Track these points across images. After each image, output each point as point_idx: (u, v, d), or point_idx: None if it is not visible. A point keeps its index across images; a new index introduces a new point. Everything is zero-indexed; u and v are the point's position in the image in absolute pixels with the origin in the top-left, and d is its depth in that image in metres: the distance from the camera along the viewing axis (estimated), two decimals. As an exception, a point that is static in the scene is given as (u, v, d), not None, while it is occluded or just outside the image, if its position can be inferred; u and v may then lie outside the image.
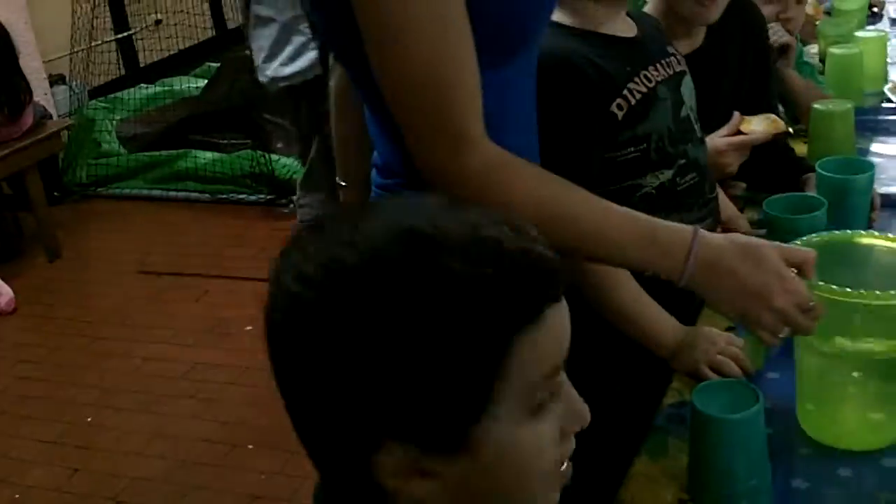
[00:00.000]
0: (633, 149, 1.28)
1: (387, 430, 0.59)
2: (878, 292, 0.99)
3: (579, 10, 1.29)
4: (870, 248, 1.15)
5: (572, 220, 0.98)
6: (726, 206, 1.55)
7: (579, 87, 1.23)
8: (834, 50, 2.08)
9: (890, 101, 2.08)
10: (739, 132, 1.59)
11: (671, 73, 1.33)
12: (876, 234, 1.16)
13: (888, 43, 2.28)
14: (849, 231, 1.18)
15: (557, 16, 1.29)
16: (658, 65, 1.32)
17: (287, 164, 4.10)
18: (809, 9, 2.24)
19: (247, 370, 2.97)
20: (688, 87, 1.37)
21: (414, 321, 0.58)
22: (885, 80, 2.17)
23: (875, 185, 1.62)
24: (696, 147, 1.37)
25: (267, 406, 2.72)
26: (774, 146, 1.67)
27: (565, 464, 0.67)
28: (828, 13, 2.58)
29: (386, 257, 0.59)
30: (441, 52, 0.91)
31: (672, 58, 1.36)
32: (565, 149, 1.20)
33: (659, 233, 1.01)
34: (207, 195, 4.32)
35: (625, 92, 1.26)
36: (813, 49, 2.33)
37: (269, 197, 4.14)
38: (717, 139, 1.58)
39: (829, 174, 1.51)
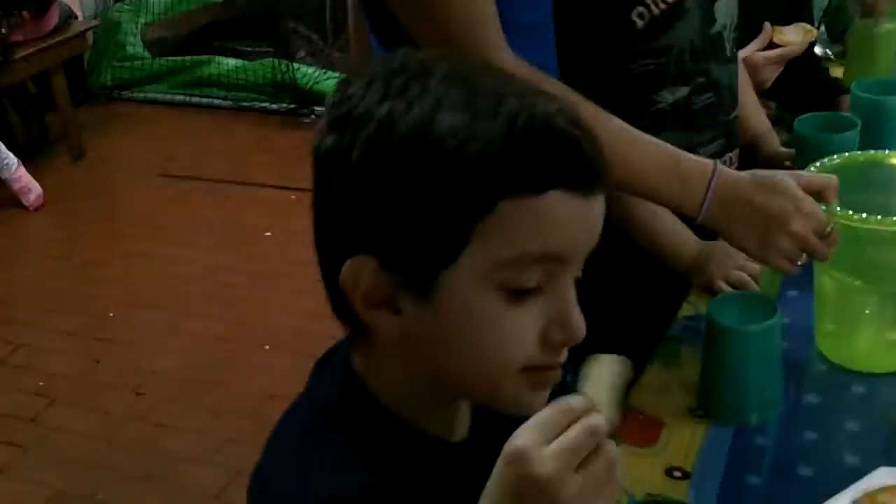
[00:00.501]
0: (651, 61, 1.24)
1: (374, 248, 0.60)
2: (893, 218, 0.97)
3: None
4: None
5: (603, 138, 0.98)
6: (759, 120, 1.52)
7: None
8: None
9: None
10: (772, 45, 1.55)
11: None
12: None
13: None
14: (873, 151, 1.15)
15: None
16: None
17: (309, 73, 4.06)
18: None
19: (264, 274, 3.00)
20: (725, 4, 1.31)
21: (416, 156, 0.58)
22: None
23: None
24: (722, 66, 1.31)
25: (283, 309, 2.76)
26: (809, 65, 1.63)
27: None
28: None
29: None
30: None
31: None
32: (583, 58, 1.17)
33: (681, 165, 1.02)
34: (230, 102, 4.30)
35: (647, 0, 1.21)
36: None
37: (290, 106, 4.11)
38: (752, 54, 1.53)
39: (863, 94, 1.47)
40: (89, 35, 4.36)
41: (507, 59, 0.95)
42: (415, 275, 0.60)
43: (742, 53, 1.53)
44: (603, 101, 1.07)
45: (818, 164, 1.11)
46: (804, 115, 1.41)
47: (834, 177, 1.03)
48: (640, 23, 1.22)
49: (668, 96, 1.27)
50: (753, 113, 1.50)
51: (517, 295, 0.60)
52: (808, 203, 0.99)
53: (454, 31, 0.93)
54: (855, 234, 1.00)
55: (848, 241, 1.01)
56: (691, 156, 1.05)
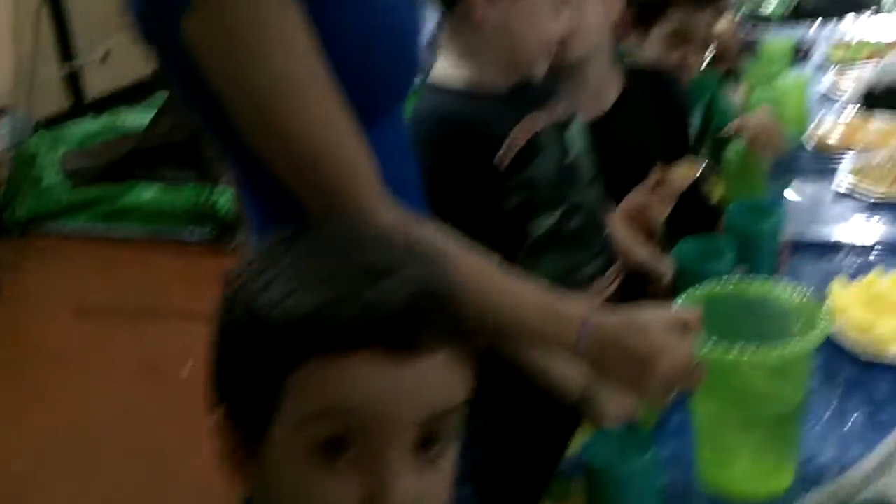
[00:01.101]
0: (518, 196, 1.31)
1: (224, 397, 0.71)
2: (753, 350, 1.02)
3: (460, 66, 1.32)
4: (762, 296, 1.17)
5: (474, 288, 1.00)
6: (640, 251, 1.58)
7: (462, 145, 1.26)
8: (755, 93, 2.13)
9: (808, 144, 2.13)
10: (660, 183, 1.63)
11: (556, 118, 1.37)
12: (765, 282, 1.18)
13: (808, 87, 2.35)
14: (739, 278, 1.21)
15: (437, 67, 1.34)
16: (541, 111, 1.35)
17: (230, 200, 4.08)
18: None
19: (183, 413, 2.94)
20: (576, 132, 1.41)
21: (243, 320, 0.68)
22: (806, 124, 2.22)
23: (787, 229, 1.67)
24: (585, 190, 1.40)
25: (202, 449, 2.69)
26: (691, 191, 1.71)
27: None
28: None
29: None
30: (317, 126, 0.91)
31: (558, 103, 1.39)
32: (453, 204, 1.22)
33: (557, 309, 1.05)
34: (150, 232, 4.28)
35: (507, 142, 1.29)
36: (739, 90, 2.39)
37: (212, 233, 4.12)
38: (639, 194, 1.62)
39: (736, 219, 1.55)
40: (4, 168, 4.33)
41: (384, 208, 0.96)
42: (248, 428, 0.68)
43: (631, 195, 1.61)
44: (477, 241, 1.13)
45: (686, 294, 1.17)
46: (684, 240, 1.47)
47: (698, 310, 1.08)
48: (503, 164, 1.28)
49: (541, 224, 1.34)
50: (634, 243, 1.57)
51: (329, 454, 0.64)
52: (674, 340, 1.03)
53: (326, 181, 0.93)
54: (722, 364, 1.05)
55: (717, 372, 1.05)
56: (567, 298, 1.09)
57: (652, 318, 1.05)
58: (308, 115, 0.91)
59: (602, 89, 1.66)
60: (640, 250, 1.57)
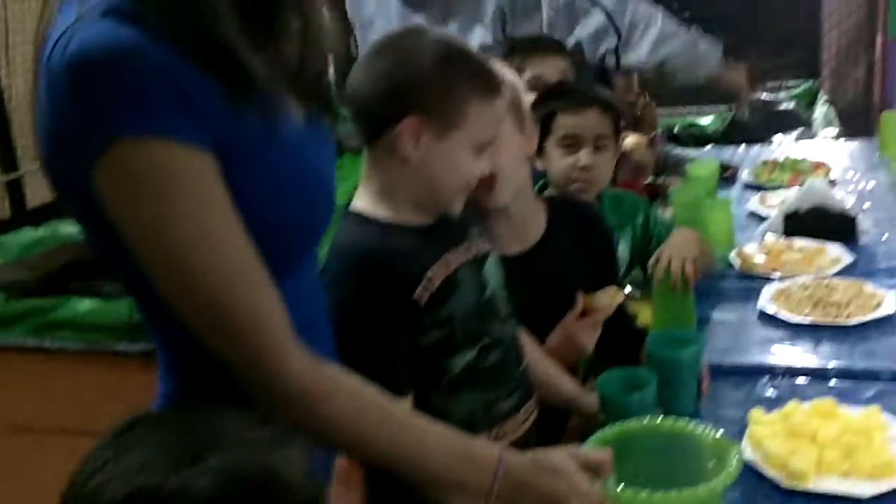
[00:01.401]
0: (437, 333, 1.32)
1: None
2: (662, 492, 1.02)
3: (379, 199, 1.34)
4: (676, 434, 1.18)
5: (389, 438, 1.02)
6: (568, 386, 1.58)
7: (381, 280, 1.27)
8: (679, 218, 2.18)
9: (733, 266, 2.17)
10: (584, 312, 1.64)
11: (473, 255, 1.38)
12: (678, 420, 1.19)
13: (732, 208, 2.41)
14: (650, 418, 1.22)
15: (357, 200, 1.36)
16: (459, 248, 1.36)
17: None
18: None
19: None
20: (492, 267, 1.42)
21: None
22: (731, 246, 2.27)
23: (710, 354, 1.69)
24: (502, 325, 1.41)
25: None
26: (616, 317, 1.72)
27: None
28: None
29: None
30: (230, 279, 0.92)
31: (475, 240, 1.41)
32: (369, 341, 1.22)
33: (471, 452, 1.06)
34: (84, 345, 4.19)
35: (425, 279, 1.30)
36: (666, 214, 2.44)
37: (147, 347, 4.04)
38: (568, 323, 1.64)
39: (656, 348, 1.56)
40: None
41: (294, 359, 0.96)
42: None
43: (558, 327, 1.62)
44: (396, 382, 1.14)
45: (599, 433, 1.17)
46: (606, 373, 1.49)
47: (608, 451, 1.09)
48: (422, 300, 1.29)
49: (459, 361, 1.34)
50: (560, 377, 1.57)
51: None
52: (584, 483, 1.05)
53: (237, 333, 0.93)
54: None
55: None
56: (479, 442, 1.11)
57: (564, 459, 1.06)
58: (221, 268, 0.91)
59: (527, 224, 1.68)
60: (565, 384, 1.57)
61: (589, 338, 1.65)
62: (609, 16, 2.38)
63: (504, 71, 1.56)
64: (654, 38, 2.44)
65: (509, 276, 1.55)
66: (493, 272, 1.41)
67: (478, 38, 2.37)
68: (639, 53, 2.46)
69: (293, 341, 0.96)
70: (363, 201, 1.35)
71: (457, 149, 1.30)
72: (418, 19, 2.39)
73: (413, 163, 1.28)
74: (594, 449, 1.12)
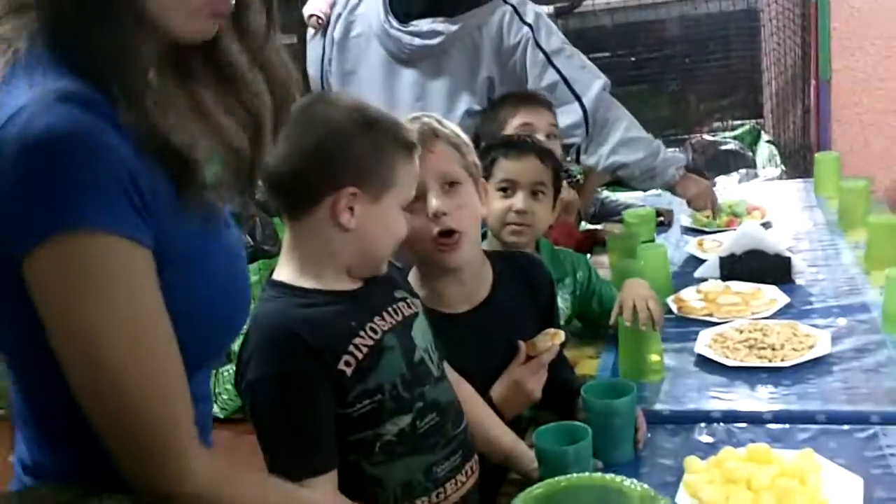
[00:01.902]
0: (367, 401, 1.30)
1: None
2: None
3: (304, 268, 1.32)
4: (604, 488, 1.18)
5: None
6: (508, 438, 1.57)
7: (304, 353, 1.25)
8: (617, 266, 2.20)
9: (671, 311, 2.19)
10: (529, 358, 1.65)
11: (400, 318, 1.37)
12: (605, 475, 1.19)
13: (672, 252, 2.44)
14: (575, 476, 1.22)
15: (279, 271, 1.35)
16: (385, 313, 1.35)
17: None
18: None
19: None
20: (420, 329, 1.41)
21: None
22: (669, 291, 2.29)
23: (647, 402, 1.70)
24: (434, 387, 1.39)
25: None
26: (555, 366, 1.72)
27: None
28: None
29: None
30: (148, 377, 0.91)
31: (401, 302, 1.40)
32: (293, 420, 1.21)
33: None
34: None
35: (350, 348, 1.28)
36: (603, 260, 2.47)
37: None
38: (514, 371, 1.63)
39: (592, 397, 1.56)
40: None
41: (195, 461, 0.95)
42: None
43: (504, 376, 1.63)
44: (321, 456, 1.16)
45: (528, 490, 1.17)
46: (543, 427, 1.48)
47: None
48: (348, 370, 1.27)
49: (392, 427, 1.32)
50: (499, 432, 1.56)
51: None
52: None
53: (143, 433, 0.92)
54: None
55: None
56: None
57: None
58: (141, 369, 0.91)
59: (476, 282, 1.68)
60: (504, 438, 1.56)
61: (536, 383, 1.64)
62: (586, 114, 2.40)
63: (443, 130, 1.57)
64: (616, 143, 2.46)
65: (458, 334, 1.56)
66: (421, 333, 1.40)
67: (464, 104, 2.37)
68: (599, 154, 2.48)
69: (197, 441, 0.96)
70: (286, 271, 1.34)
71: (390, 209, 1.33)
72: (406, 74, 2.38)
73: (350, 229, 1.29)
74: None
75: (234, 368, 1.29)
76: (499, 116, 2.31)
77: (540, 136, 2.19)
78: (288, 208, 1.33)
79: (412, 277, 1.62)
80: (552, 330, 1.68)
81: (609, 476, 1.19)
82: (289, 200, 1.32)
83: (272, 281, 1.34)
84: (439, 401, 1.39)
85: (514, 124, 2.27)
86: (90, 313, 0.88)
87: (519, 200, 1.94)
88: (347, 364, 1.27)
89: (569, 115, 2.39)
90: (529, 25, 2.32)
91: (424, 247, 1.55)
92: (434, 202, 1.52)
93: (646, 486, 1.15)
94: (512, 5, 2.34)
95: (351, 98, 1.38)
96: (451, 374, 1.48)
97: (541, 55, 2.31)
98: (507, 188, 1.96)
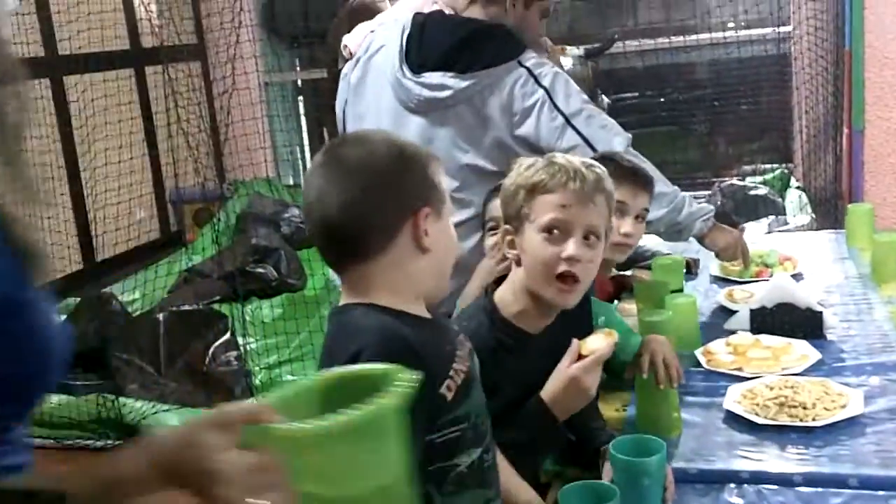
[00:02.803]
0: (454, 428, 1.31)
1: None
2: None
3: (381, 298, 1.31)
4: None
5: None
6: (525, 494, 1.56)
7: (417, 369, 1.21)
8: (644, 317, 2.17)
9: (700, 364, 2.16)
10: (581, 356, 1.62)
11: (468, 349, 1.40)
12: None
13: (701, 301, 2.40)
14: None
15: (350, 296, 1.33)
16: (459, 343, 1.38)
17: (136, 408, 3.98)
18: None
19: None
20: (475, 364, 1.42)
21: None
22: (698, 343, 2.26)
23: (675, 459, 1.66)
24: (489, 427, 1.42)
25: None
26: (579, 421, 1.70)
27: None
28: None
29: None
30: None
31: (461, 336, 1.42)
32: None
33: None
34: (53, 440, 4.13)
35: (451, 372, 1.30)
36: (631, 308, 2.44)
37: (116, 443, 3.98)
38: (562, 370, 1.60)
39: (620, 454, 1.54)
40: None
41: None
42: None
43: (556, 372, 1.61)
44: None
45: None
46: (567, 487, 1.46)
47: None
48: (448, 395, 1.29)
49: (466, 458, 1.34)
50: (518, 489, 1.54)
51: None
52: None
53: None
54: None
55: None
56: None
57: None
58: None
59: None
60: (523, 494, 1.54)
61: (592, 380, 1.61)
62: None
63: None
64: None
65: (536, 351, 1.63)
66: (476, 368, 1.42)
67: (468, 158, 2.35)
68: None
69: None
70: (355, 292, 1.34)
71: (448, 222, 1.39)
72: (414, 122, 2.38)
73: (430, 249, 1.33)
74: None
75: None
76: None
77: (628, 220, 2.23)
78: (357, 253, 1.32)
79: (509, 293, 1.67)
80: (604, 330, 1.68)
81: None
82: (359, 245, 1.32)
83: (350, 304, 1.33)
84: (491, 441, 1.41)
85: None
86: None
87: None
88: (449, 388, 1.29)
89: None
90: (545, 88, 2.30)
91: (541, 277, 1.62)
92: (572, 247, 1.59)
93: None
94: (527, 68, 2.31)
95: (375, 132, 1.43)
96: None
97: (560, 118, 2.29)
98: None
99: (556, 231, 1.60)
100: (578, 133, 2.29)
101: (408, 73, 2.36)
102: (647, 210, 2.32)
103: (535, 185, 1.60)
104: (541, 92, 2.29)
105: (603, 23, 5.65)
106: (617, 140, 2.34)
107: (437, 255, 1.34)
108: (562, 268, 1.59)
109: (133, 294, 5.17)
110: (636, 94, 5.79)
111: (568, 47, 4.56)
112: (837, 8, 4.13)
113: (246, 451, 0.90)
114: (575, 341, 1.62)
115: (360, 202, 1.28)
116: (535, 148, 2.27)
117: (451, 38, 2.32)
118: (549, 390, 1.61)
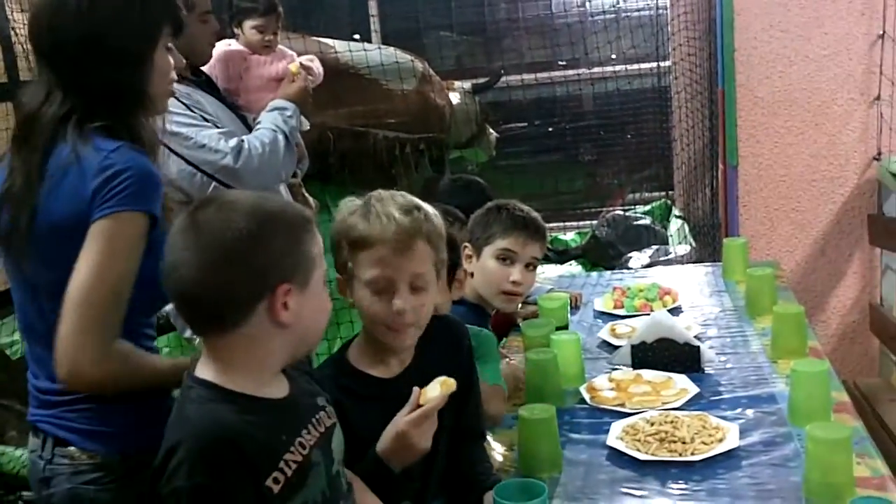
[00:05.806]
0: None
1: None
2: None
3: (231, 370, 1.28)
4: None
5: None
6: None
7: (236, 466, 1.19)
8: (531, 356, 2.20)
9: (585, 401, 2.20)
10: (418, 406, 1.60)
11: (323, 430, 1.35)
12: None
13: (585, 336, 2.45)
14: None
15: (207, 372, 1.29)
16: (310, 425, 1.33)
17: (16, 457, 3.80)
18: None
19: None
20: (337, 440, 1.39)
21: None
22: (583, 378, 2.31)
23: (559, 499, 1.69)
24: (346, 501, 1.38)
25: None
26: (466, 463, 1.71)
27: None
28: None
29: None
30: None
31: (322, 412, 1.38)
32: None
33: None
34: (-78, 493, 3.91)
35: (281, 465, 1.24)
36: (518, 345, 2.47)
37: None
38: (397, 423, 1.56)
39: (503, 498, 1.55)
40: None
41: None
42: None
43: (391, 425, 1.57)
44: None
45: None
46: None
47: None
48: (276, 488, 1.23)
49: None
50: None
51: None
52: None
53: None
54: None
55: None
56: None
57: None
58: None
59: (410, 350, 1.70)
60: None
61: (421, 435, 1.55)
62: None
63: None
64: None
65: (392, 396, 1.57)
66: (338, 443, 1.38)
67: None
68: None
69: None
70: (211, 371, 1.28)
71: (317, 289, 1.33)
72: None
73: (290, 325, 1.28)
74: None
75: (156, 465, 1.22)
76: (490, 228, 2.45)
77: (518, 267, 2.42)
78: (212, 327, 1.28)
79: (357, 343, 1.68)
80: (442, 378, 1.61)
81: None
82: (213, 319, 1.27)
83: (198, 379, 1.28)
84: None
85: (499, 245, 2.43)
86: None
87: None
88: (276, 481, 1.23)
89: None
90: None
91: (377, 328, 1.61)
92: (399, 302, 1.57)
93: None
94: None
95: (245, 195, 1.34)
96: (357, 483, 1.47)
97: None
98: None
99: (380, 287, 1.57)
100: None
101: None
102: (537, 259, 2.37)
103: (356, 240, 1.56)
104: None
105: (488, 58, 5.74)
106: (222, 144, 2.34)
107: (299, 329, 1.30)
108: (392, 321, 1.59)
109: (12, 336, 4.95)
110: (524, 124, 5.89)
111: (456, 82, 4.62)
112: (711, 48, 4.30)
113: None
114: (416, 390, 1.58)
115: (211, 277, 1.22)
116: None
117: None
118: (382, 442, 1.56)
